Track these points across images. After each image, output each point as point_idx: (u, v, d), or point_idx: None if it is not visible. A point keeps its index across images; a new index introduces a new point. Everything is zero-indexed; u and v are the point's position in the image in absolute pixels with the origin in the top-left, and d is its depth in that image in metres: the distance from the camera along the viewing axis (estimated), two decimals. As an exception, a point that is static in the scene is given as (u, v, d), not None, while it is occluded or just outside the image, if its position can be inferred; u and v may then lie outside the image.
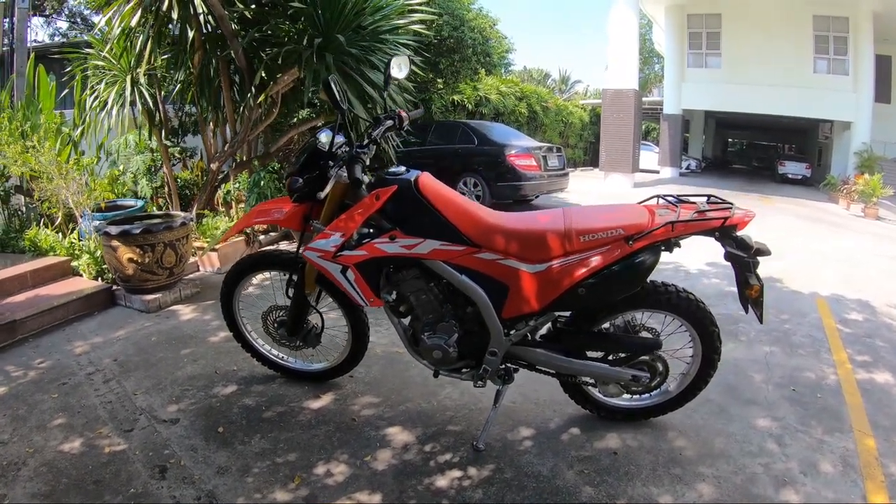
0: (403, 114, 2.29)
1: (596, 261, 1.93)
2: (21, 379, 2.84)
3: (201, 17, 3.95)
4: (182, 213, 4.23)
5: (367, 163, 2.15)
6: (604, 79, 13.27)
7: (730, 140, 35.59)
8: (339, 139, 2.14)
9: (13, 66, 6.34)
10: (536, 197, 7.92)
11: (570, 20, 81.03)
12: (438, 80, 8.11)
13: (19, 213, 4.94)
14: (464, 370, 2.25)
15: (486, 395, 2.60)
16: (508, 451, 2.25)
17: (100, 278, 4.03)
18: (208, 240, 4.73)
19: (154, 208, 5.43)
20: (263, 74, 4.64)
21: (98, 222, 3.96)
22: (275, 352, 2.84)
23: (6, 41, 6.98)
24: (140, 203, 5.09)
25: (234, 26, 4.23)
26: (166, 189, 5.55)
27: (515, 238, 1.99)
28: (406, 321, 2.28)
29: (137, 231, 3.68)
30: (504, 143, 7.25)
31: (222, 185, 5.31)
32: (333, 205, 2.15)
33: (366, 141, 2.20)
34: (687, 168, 18.97)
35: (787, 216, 9.50)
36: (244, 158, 5.54)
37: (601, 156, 12.23)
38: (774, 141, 31.66)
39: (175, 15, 3.87)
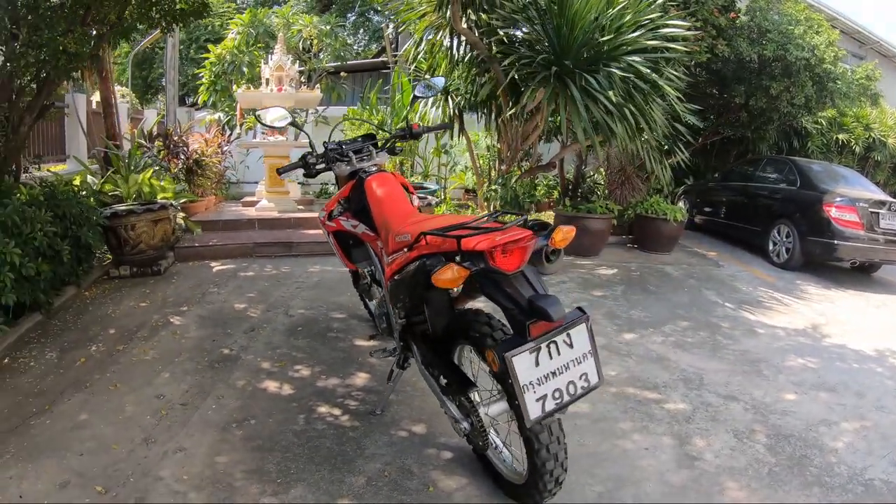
0: (416, 126, 3.22)
1: (395, 263, 2.27)
2: (266, 272, 5.27)
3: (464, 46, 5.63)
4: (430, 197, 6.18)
5: (359, 164, 3.04)
6: None
7: None
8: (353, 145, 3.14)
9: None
10: (857, 264, 6.61)
11: None
12: (789, 106, 7.40)
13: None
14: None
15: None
16: (384, 428, 2.72)
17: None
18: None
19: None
20: (529, 92, 5.96)
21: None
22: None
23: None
24: (434, 187, 7.39)
25: (494, 49, 5.73)
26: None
27: (385, 232, 2.52)
28: None
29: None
30: (826, 189, 6.31)
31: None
32: (341, 188, 3.28)
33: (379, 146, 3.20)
34: None
35: None
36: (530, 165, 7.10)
37: None
38: None
39: (446, 43, 5.69)
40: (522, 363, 1.76)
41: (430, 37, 6.18)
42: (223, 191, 8.37)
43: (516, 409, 1.81)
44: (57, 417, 2.67)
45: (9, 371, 3.11)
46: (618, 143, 5.47)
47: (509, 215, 2.00)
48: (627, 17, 5.00)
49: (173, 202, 5.42)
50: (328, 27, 8.47)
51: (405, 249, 2.20)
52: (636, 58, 5.01)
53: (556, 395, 1.82)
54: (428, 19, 5.91)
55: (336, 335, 3.87)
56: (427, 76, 6.91)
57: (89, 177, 5.58)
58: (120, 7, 3.60)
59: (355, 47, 20.40)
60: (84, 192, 4.63)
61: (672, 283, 5.49)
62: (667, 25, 5.11)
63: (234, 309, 4.28)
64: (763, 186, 7.39)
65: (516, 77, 5.72)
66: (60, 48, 3.12)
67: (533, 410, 1.77)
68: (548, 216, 7.59)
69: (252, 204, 7.25)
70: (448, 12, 5.38)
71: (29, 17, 3.17)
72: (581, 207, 6.64)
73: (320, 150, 3.08)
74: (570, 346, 1.86)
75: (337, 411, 2.89)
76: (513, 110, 5.93)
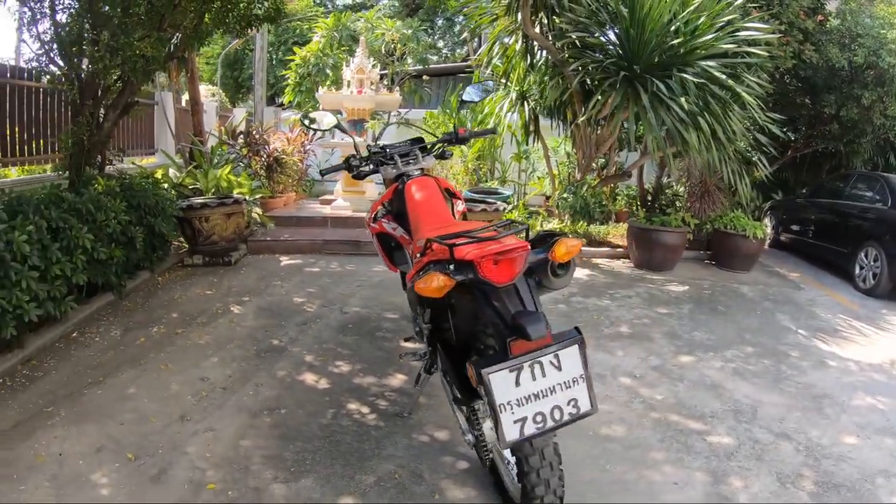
0: (462, 131, 3.25)
1: (413, 267, 2.29)
2: (330, 269, 5.48)
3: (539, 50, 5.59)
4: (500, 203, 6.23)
5: (404, 168, 3.10)
6: None
7: None
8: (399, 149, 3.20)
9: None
10: None
11: None
12: (882, 118, 6.75)
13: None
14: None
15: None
16: (407, 430, 2.77)
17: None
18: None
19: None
20: (599, 97, 5.84)
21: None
22: None
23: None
24: (508, 193, 7.38)
25: (565, 54, 5.64)
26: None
27: (415, 236, 2.56)
28: None
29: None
30: None
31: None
32: (386, 190, 3.38)
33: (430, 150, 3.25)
34: None
35: None
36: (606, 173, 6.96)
37: None
38: None
39: (518, 47, 5.68)
40: (499, 381, 1.69)
41: (504, 40, 6.19)
42: (306, 188, 8.74)
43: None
44: (108, 389, 2.95)
45: (75, 343, 3.47)
46: (692, 154, 5.23)
47: (512, 224, 1.97)
48: (702, 20, 4.76)
49: (247, 197, 5.77)
50: (410, 31, 8.68)
51: (418, 255, 2.24)
52: (711, 63, 4.75)
53: (539, 419, 1.72)
54: (500, 23, 5.93)
55: (384, 335, 3.97)
56: (502, 80, 6.94)
57: (172, 170, 6.06)
58: (196, 14, 3.91)
59: (444, 51, 20.66)
60: (165, 185, 5.03)
61: (744, 305, 5.16)
62: (746, 28, 4.80)
63: (292, 302, 4.50)
64: (851, 204, 6.79)
65: (587, 82, 5.60)
66: (137, 52, 3.44)
67: (509, 432, 1.69)
68: (622, 228, 7.37)
69: (329, 202, 7.56)
70: (519, 16, 5.37)
71: (115, 21, 3.50)
72: (655, 220, 6.39)
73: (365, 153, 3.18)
74: (559, 368, 1.76)
75: (366, 409, 2.98)
76: (584, 116, 5.81)
